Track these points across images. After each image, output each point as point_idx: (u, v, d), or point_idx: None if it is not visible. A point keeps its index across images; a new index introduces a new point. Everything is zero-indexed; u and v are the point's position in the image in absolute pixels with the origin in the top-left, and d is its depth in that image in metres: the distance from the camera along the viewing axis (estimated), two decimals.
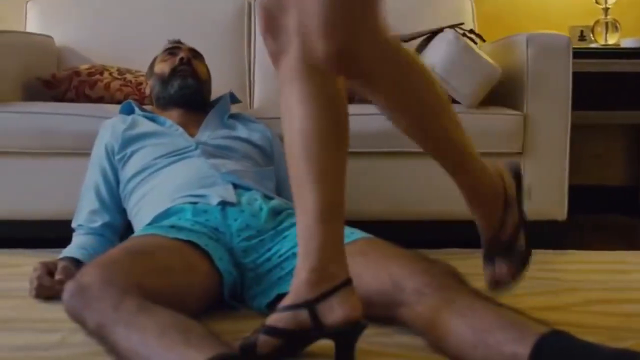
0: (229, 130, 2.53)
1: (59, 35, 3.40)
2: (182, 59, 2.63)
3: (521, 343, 1.43)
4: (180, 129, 2.46)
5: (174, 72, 2.62)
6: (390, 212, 2.79)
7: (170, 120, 2.51)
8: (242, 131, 2.54)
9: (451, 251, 2.62)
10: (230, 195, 2.10)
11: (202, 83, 2.64)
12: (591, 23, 3.65)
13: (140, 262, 1.79)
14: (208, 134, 2.47)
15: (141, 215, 2.24)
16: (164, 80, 2.63)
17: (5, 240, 2.73)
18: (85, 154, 2.63)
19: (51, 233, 2.75)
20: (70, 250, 2.26)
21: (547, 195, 2.82)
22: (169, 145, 2.38)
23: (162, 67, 2.65)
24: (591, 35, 3.62)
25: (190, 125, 2.52)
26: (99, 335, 1.59)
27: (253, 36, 3.47)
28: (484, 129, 2.75)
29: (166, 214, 2.11)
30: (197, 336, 1.49)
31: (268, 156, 2.52)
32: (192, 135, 2.45)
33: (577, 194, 2.98)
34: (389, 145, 2.76)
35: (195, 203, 2.10)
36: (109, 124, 2.50)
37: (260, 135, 2.55)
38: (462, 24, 2.92)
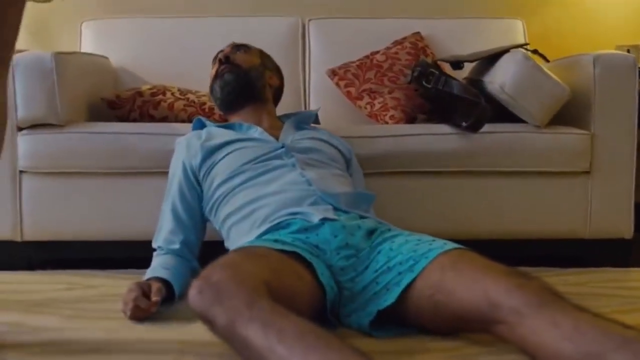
0: (312, 132, 2.56)
1: (113, 56, 3.43)
2: (220, 60, 2.64)
3: None
4: (259, 129, 2.47)
5: (215, 77, 2.64)
6: (457, 231, 2.79)
7: (245, 124, 2.51)
8: (323, 134, 2.56)
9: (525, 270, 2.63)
10: (330, 214, 2.11)
11: (245, 71, 2.60)
12: (638, 42, 3.67)
13: (260, 263, 1.81)
14: (291, 135, 2.48)
15: (238, 231, 2.24)
16: (211, 89, 2.66)
17: (76, 261, 2.74)
18: (157, 172, 2.67)
19: (121, 253, 2.77)
20: (156, 271, 2.26)
21: (613, 213, 2.84)
22: (255, 149, 2.38)
23: (211, 78, 2.67)
24: None
25: (264, 120, 2.55)
26: (230, 331, 1.60)
27: (307, 56, 3.50)
28: (551, 148, 2.78)
29: (268, 230, 2.12)
30: (337, 342, 1.50)
31: (347, 162, 2.55)
32: (271, 133, 2.46)
33: None
34: (456, 165, 2.79)
35: (296, 219, 2.12)
36: (184, 141, 2.50)
37: (340, 142, 2.59)
38: (527, 44, 2.95)
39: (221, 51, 2.68)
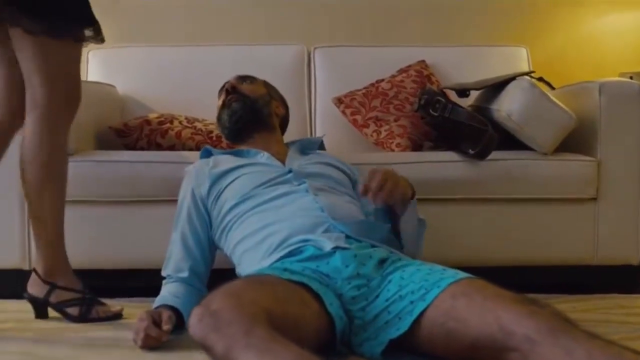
0: (318, 156, 2.57)
1: (120, 84, 3.45)
2: (227, 90, 2.66)
3: None
4: (266, 154, 2.49)
5: (222, 106, 2.66)
6: (464, 258, 2.79)
7: (253, 150, 2.53)
8: (329, 159, 2.58)
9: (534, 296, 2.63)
10: (342, 242, 2.11)
11: (252, 100, 2.62)
12: None
13: (263, 291, 1.82)
14: (297, 160, 2.50)
15: (249, 257, 2.24)
16: (218, 119, 2.67)
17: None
18: (166, 201, 2.68)
19: (130, 282, 2.77)
20: (165, 299, 2.26)
21: (620, 239, 2.85)
22: (264, 173, 2.39)
23: (218, 108, 2.69)
24: None
25: (271, 147, 2.56)
26: (227, 358, 1.60)
27: (313, 84, 3.52)
28: (558, 175, 2.80)
29: (280, 258, 2.13)
30: None
31: (354, 185, 2.55)
32: (278, 158, 2.48)
33: None
34: (464, 192, 2.80)
35: (308, 246, 2.12)
36: (192, 170, 2.51)
37: (345, 165, 2.60)
38: (533, 72, 2.97)
39: (227, 82, 2.70)
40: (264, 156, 2.49)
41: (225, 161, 2.48)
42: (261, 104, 2.63)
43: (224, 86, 2.70)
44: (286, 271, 2.00)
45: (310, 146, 2.68)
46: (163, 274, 2.40)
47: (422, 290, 1.91)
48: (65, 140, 2.40)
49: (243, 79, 2.70)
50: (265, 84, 2.75)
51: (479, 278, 1.93)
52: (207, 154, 2.62)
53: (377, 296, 2.02)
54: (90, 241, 2.75)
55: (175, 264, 2.39)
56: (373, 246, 2.16)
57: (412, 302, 1.91)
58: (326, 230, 2.16)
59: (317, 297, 1.94)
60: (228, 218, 2.34)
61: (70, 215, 2.71)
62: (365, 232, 2.21)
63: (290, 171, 2.40)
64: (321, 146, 2.74)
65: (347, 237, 2.15)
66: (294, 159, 2.51)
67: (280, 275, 1.97)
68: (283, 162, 2.48)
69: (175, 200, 2.50)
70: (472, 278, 1.94)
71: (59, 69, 2.34)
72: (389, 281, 2.03)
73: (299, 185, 2.34)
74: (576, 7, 3.91)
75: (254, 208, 2.30)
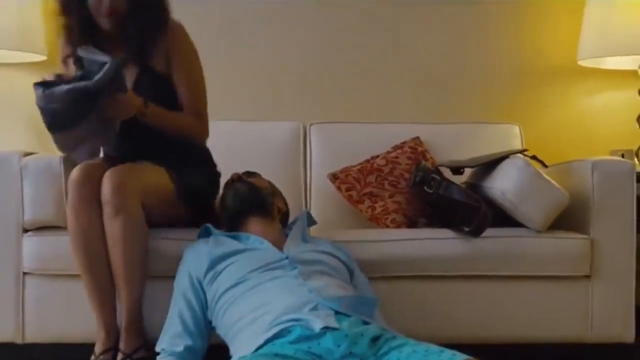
0: (314, 245, 2.59)
1: None
2: (232, 179, 2.75)
3: None
4: (265, 242, 2.51)
5: (226, 189, 2.74)
6: (459, 335, 2.80)
7: (252, 236, 2.56)
8: (325, 246, 2.60)
9: None
10: (332, 321, 2.10)
11: (257, 188, 2.71)
12: (632, 146, 3.74)
13: None
14: (295, 247, 2.52)
15: (241, 338, 2.24)
16: (221, 200, 2.74)
17: None
18: (162, 277, 2.66)
19: None
20: None
21: (614, 317, 2.85)
22: (260, 258, 2.42)
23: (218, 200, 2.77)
24: (635, 159, 3.70)
25: (270, 234, 2.58)
26: None
27: (309, 160, 3.55)
28: (552, 253, 2.82)
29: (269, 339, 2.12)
30: None
31: (350, 273, 2.57)
32: (276, 245, 2.50)
33: None
34: (458, 269, 2.82)
35: (297, 327, 2.12)
36: (191, 250, 2.55)
37: (343, 253, 2.62)
38: (526, 150, 3.00)
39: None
40: (263, 243, 2.52)
41: (225, 244, 2.52)
42: (265, 194, 2.72)
43: (229, 179, 2.80)
44: (278, 356, 2.00)
45: (303, 226, 2.72)
46: (157, 348, 2.41)
47: None
48: None
49: (249, 174, 2.81)
50: (270, 182, 2.83)
51: (475, 359, 1.94)
52: (207, 233, 2.65)
53: None
54: (85, 315, 2.68)
55: (170, 338, 2.40)
56: (364, 322, 2.16)
57: None
58: (314, 308, 2.16)
59: None
60: (222, 301, 2.37)
61: (66, 289, 2.77)
62: (354, 307, 2.21)
63: (287, 257, 2.42)
64: (311, 220, 2.78)
65: (336, 313, 2.15)
66: (293, 245, 2.54)
67: None
68: (281, 249, 2.51)
69: (173, 277, 2.52)
70: (469, 359, 1.94)
71: None
72: None
73: (291, 270, 2.36)
74: (568, 86, 3.98)
75: (247, 292, 2.32)
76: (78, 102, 2.46)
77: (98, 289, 2.60)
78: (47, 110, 2.48)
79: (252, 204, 2.66)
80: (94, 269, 2.59)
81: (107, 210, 2.54)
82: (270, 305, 2.22)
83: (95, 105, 2.49)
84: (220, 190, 2.83)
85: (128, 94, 2.58)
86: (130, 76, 2.73)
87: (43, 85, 2.48)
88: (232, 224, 2.70)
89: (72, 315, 2.75)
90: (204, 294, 2.44)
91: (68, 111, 2.47)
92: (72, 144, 2.58)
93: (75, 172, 2.59)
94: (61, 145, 2.60)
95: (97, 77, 2.46)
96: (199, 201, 2.77)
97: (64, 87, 2.45)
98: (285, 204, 2.86)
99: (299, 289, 2.26)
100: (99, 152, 2.72)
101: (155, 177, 2.70)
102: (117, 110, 2.55)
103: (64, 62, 2.82)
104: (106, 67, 2.46)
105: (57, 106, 2.45)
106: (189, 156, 2.84)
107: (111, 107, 2.52)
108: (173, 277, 2.56)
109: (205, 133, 2.87)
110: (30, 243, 2.77)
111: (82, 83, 2.46)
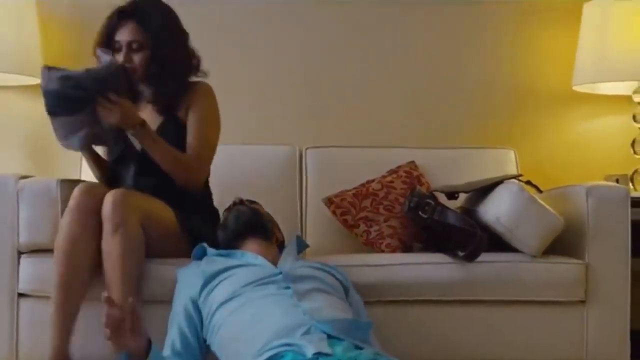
0: (307, 262, 2.63)
1: None
2: (235, 200, 2.81)
3: None
4: (260, 257, 2.54)
5: (228, 210, 2.78)
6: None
7: (247, 252, 2.59)
8: (318, 264, 2.62)
9: None
10: (324, 346, 2.09)
11: (259, 213, 2.78)
12: (626, 171, 3.76)
13: None
14: (290, 263, 2.53)
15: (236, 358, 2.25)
16: (222, 222, 2.78)
17: None
18: (157, 301, 2.68)
19: None
20: None
21: (609, 342, 2.85)
22: (255, 272, 2.44)
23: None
24: (630, 184, 3.71)
25: (267, 252, 2.61)
26: None
27: (304, 184, 3.55)
28: (547, 278, 2.82)
29: None
30: None
31: (346, 290, 2.58)
32: (272, 262, 2.53)
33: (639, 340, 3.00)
34: (453, 294, 2.82)
35: (289, 352, 2.11)
36: (185, 272, 2.58)
37: (337, 270, 2.63)
38: (521, 175, 3.02)
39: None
40: (257, 258, 2.54)
41: (218, 262, 2.54)
42: (265, 219, 2.78)
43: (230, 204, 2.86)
44: None
45: (294, 248, 2.74)
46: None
47: None
48: None
49: (251, 201, 2.86)
50: (268, 213, 2.88)
51: None
52: (201, 251, 2.66)
53: None
54: (80, 337, 2.68)
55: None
56: (357, 347, 2.15)
57: None
58: (306, 332, 2.15)
59: None
60: (217, 316, 2.37)
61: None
62: (347, 331, 2.21)
63: (280, 272, 2.43)
64: (302, 244, 2.79)
65: (329, 337, 2.14)
66: (287, 261, 2.55)
67: None
68: (276, 265, 2.53)
69: (168, 302, 2.53)
70: None
71: None
72: None
73: (285, 288, 2.36)
74: (563, 111, 3.99)
75: (241, 307, 2.33)
76: (74, 88, 2.66)
77: (64, 305, 2.58)
78: (46, 93, 2.68)
79: (253, 226, 2.71)
80: (69, 282, 2.58)
81: (107, 227, 2.57)
82: (263, 325, 2.22)
83: (90, 98, 2.66)
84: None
85: (127, 104, 2.72)
86: (155, 121, 2.88)
87: (49, 68, 2.70)
88: (230, 245, 2.72)
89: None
90: (200, 314, 2.45)
91: (65, 97, 2.66)
92: (67, 131, 2.73)
93: (79, 186, 2.65)
94: (56, 131, 2.74)
95: (92, 70, 2.71)
96: (200, 240, 2.78)
97: (64, 72, 2.66)
98: (282, 234, 2.90)
99: (292, 310, 2.26)
100: (91, 143, 2.87)
101: (158, 206, 2.76)
102: (113, 112, 2.67)
103: None
104: (104, 64, 2.71)
105: (54, 89, 2.65)
106: (196, 199, 2.94)
107: (107, 108, 2.65)
108: (167, 302, 2.57)
109: (198, 173, 2.91)
110: (27, 264, 2.78)
111: (79, 72, 2.68)
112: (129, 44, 2.83)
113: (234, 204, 2.82)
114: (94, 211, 2.60)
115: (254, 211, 2.77)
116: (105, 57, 2.76)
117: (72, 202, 2.62)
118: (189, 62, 2.94)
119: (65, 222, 2.61)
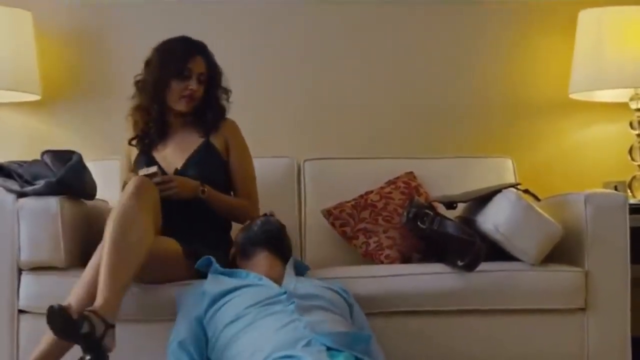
0: (311, 279, 2.64)
1: (113, 200, 3.45)
2: (267, 213, 2.88)
3: None
4: (264, 279, 2.56)
5: (259, 217, 2.86)
6: None
7: (252, 273, 2.60)
8: (322, 282, 2.63)
9: None
10: (323, 358, 2.11)
11: (284, 231, 2.87)
12: (624, 178, 3.76)
13: None
14: (294, 282, 2.55)
15: None
16: (248, 225, 2.85)
17: None
18: (156, 320, 2.70)
19: None
20: None
21: (610, 349, 2.85)
22: (260, 292, 2.46)
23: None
24: (628, 191, 3.72)
25: (273, 270, 2.65)
26: None
27: (303, 196, 3.55)
28: (546, 286, 2.83)
29: None
30: None
31: (350, 307, 2.60)
32: (276, 281, 2.55)
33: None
34: (453, 304, 2.83)
35: None
36: (190, 292, 2.60)
37: (339, 287, 2.64)
38: (519, 184, 3.02)
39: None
40: (261, 279, 2.56)
41: (224, 282, 2.57)
42: (288, 239, 2.89)
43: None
44: None
45: (293, 266, 2.75)
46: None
47: None
48: None
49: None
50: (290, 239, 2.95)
51: None
52: (207, 262, 2.70)
53: None
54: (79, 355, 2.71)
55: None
56: (357, 359, 2.16)
57: None
58: (307, 344, 2.17)
59: None
60: (223, 336, 2.39)
61: None
62: (347, 343, 2.22)
63: (285, 292, 2.44)
64: (301, 267, 2.82)
65: (329, 349, 2.15)
66: (291, 281, 2.57)
67: None
68: (279, 284, 2.55)
69: (168, 320, 2.55)
70: None
71: None
72: None
73: (288, 305, 2.38)
74: (560, 119, 4.00)
75: (246, 327, 2.34)
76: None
77: (117, 267, 2.53)
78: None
79: (274, 239, 2.78)
80: (120, 247, 2.56)
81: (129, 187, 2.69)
82: (265, 339, 2.24)
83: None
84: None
85: (181, 179, 2.95)
86: (196, 142, 3.14)
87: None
88: (245, 249, 2.76)
89: (67, 354, 2.73)
90: (205, 334, 2.46)
91: None
92: None
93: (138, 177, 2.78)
94: None
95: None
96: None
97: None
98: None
99: (293, 325, 2.27)
100: None
101: (165, 240, 2.78)
102: (171, 190, 2.86)
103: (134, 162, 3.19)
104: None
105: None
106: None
107: (166, 189, 2.85)
108: (168, 321, 2.58)
109: (254, 212, 3.12)
110: (27, 281, 2.79)
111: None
112: (199, 75, 3.10)
113: (265, 215, 2.89)
114: (151, 199, 2.71)
115: (281, 226, 2.85)
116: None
117: (130, 186, 2.68)
118: (227, 97, 3.25)
119: (131, 188, 2.66)
